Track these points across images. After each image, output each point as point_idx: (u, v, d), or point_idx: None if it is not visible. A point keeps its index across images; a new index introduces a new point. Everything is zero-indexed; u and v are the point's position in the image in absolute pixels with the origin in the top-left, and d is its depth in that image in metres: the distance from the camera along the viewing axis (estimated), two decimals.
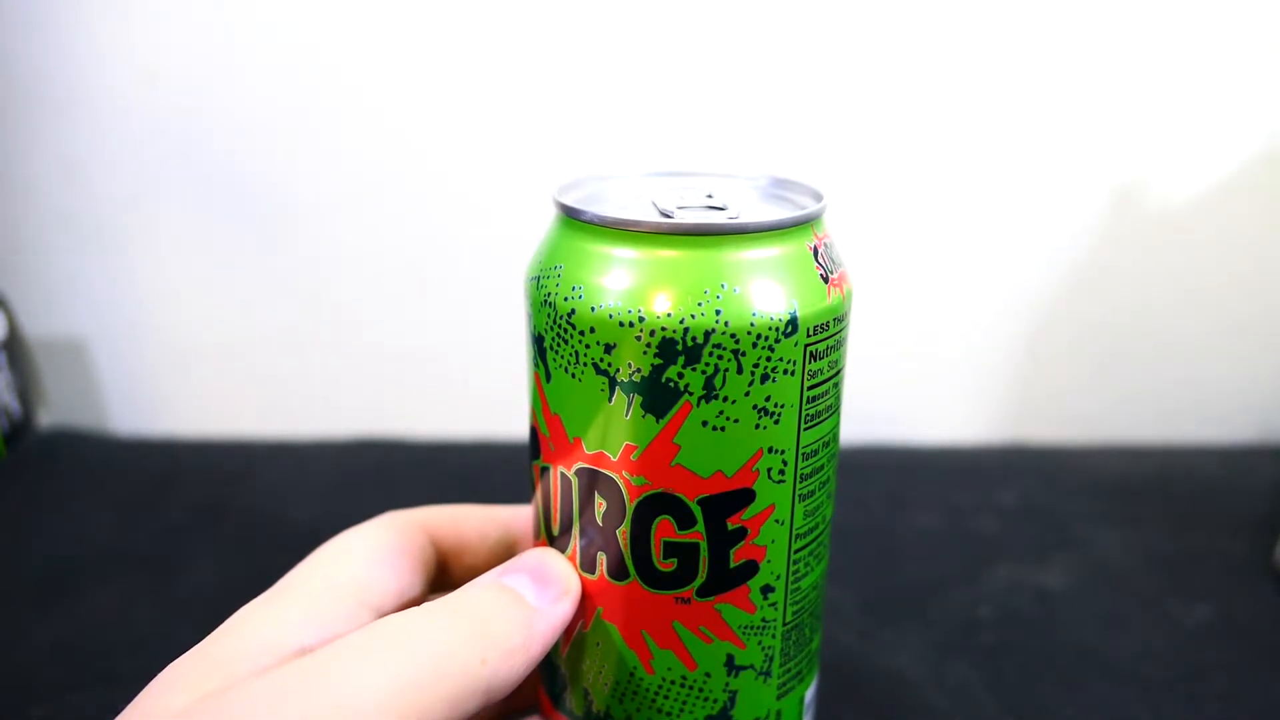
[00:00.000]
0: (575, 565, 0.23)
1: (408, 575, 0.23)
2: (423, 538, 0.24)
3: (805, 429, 0.21)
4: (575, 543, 0.22)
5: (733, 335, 0.20)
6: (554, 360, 0.21)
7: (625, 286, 0.20)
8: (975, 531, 0.44)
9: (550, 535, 0.23)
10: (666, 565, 0.21)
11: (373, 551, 0.23)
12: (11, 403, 0.47)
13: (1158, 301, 0.51)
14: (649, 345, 0.20)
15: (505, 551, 0.26)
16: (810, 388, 0.21)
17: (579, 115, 0.47)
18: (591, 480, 0.22)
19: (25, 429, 0.49)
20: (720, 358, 0.20)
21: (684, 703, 0.23)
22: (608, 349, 0.20)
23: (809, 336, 0.21)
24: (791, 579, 0.23)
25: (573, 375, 0.21)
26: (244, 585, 0.22)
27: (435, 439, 0.53)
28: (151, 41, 0.46)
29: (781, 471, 0.21)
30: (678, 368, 0.20)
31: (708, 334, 0.20)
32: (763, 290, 0.20)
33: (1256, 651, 0.35)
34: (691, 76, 0.46)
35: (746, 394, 0.20)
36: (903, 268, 0.50)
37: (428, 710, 0.18)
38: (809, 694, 0.25)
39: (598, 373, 0.20)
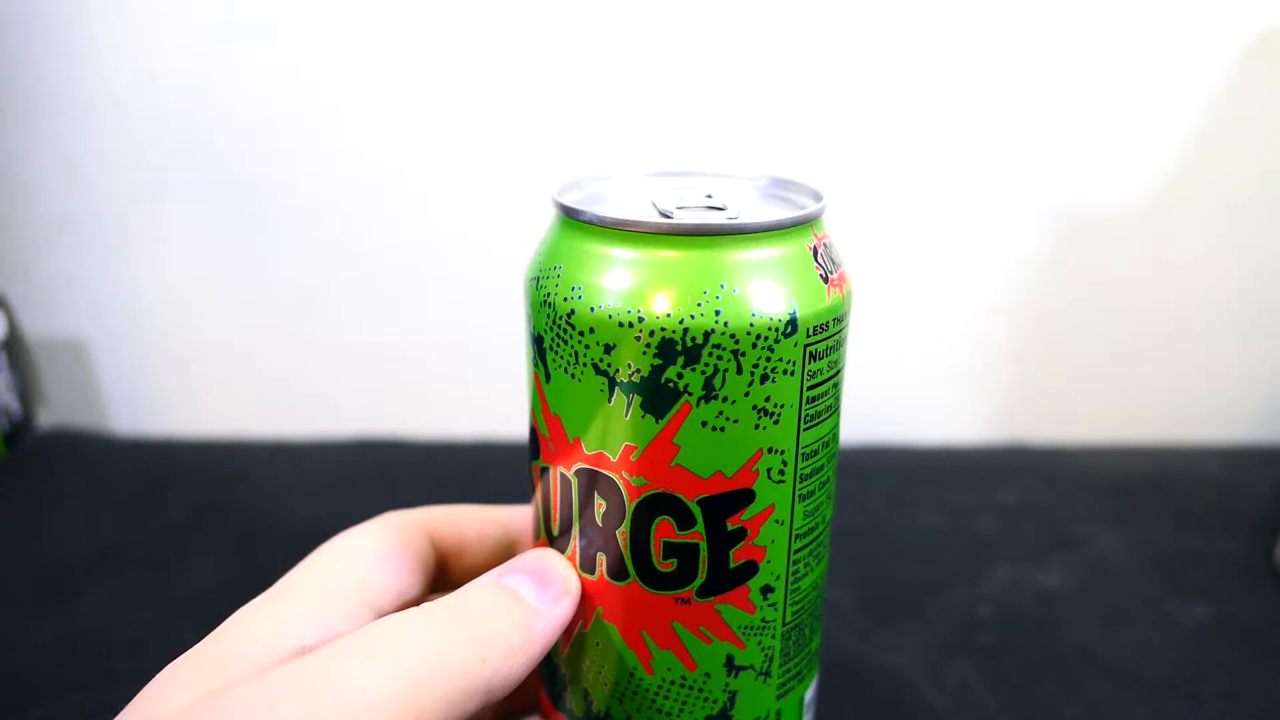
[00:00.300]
0: (575, 566, 0.23)
1: (407, 575, 0.23)
2: (422, 538, 0.24)
3: (805, 429, 0.21)
4: (575, 543, 0.22)
5: (732, 335, 0.20)
6: (554, 361, 0.21)
7: (625, 287, 0.20)
8: (975, 531, 0.44)
9: (550, 536, 0.23)
10: (666, 566, 0.21)
11: (372, 552, 0.23)
12: (11, 403, 0.48)
13: (1158, 301, 0.51)
14: (648, 346, 0.20)
15: (505, 552, 0.26)
16: (810, 388, 0.21)
17: (579, 115, 0.47)
18: (591, 481, 0.22)
19: (25, 429, 0.49)
20: (720, 358, 0.20)
21: (684, 703, 0.23)
22: (607, 349, 0.20)
23: (809, 337, 0.21)
24: (791, 579, 0.23)
25: (572, 376, 0.21)
26: (243, 585, 0.22)
27: (435, 439, 0.53)
28: (151, 41, 0.46)
29: (781, 472, 0.21)
30: (677, 368, 0.20)
31: (707, 334, 0.20)
32: (762, 290, 0.20)
33: (1256, 651, 0.35)
34: (691, 76, 0.46)
35: (746, 394, 0.20)
36: (902, 268, 0.50)
37: (427, 710, 0.18)
38: (809, 694, 0.25)
39: (597, 373, 0.20)
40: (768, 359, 0.20)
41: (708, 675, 0.23)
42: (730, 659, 0.22)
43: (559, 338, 0.21)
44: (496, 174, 0.48)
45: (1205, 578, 0.40)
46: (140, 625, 0.37)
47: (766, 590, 0.22)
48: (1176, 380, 0.53)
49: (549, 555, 0.23)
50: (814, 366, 0.21)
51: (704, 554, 0.21)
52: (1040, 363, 0.52)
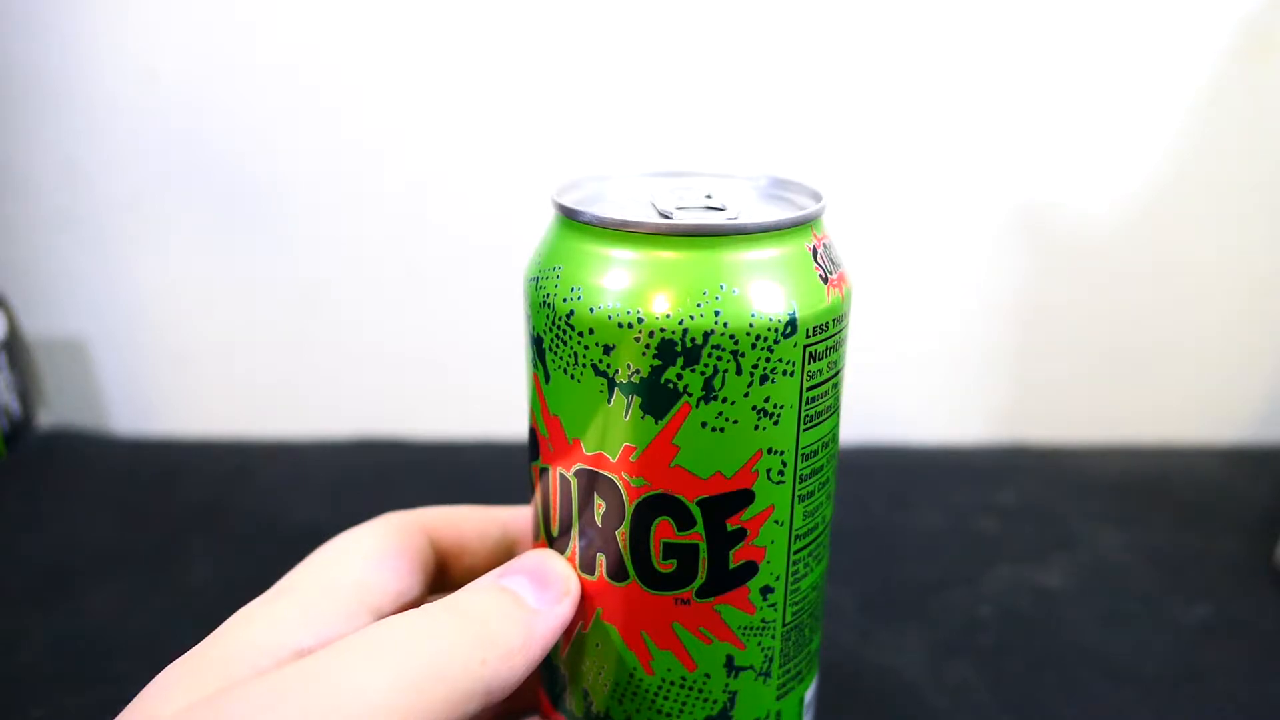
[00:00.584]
0: (575, 566, 0.23)
1: (407, 576, 0.23)
2: (422, 538, 0.24)
3: (804, 430, 0.21)
4: (575, 544, 0.22)
5: (732, 336, 0.20)
6: (553, 361, 0.21)
7: (624, 287, 0.20)
8: (975, 531, 0.44)
9: (550, 536, 0.23)
10: (666, 566, 0.21)
11: (372, 552, 0.23)
12: (11, 403, 0.48)
13: (1158, 301, 0.51)
14: (648, 346, 0.20)
15: (505, 552, 0.26)
16: (809, 388, 0.21)
17: (578, 115, 0.47)
18: (591, 481, 0.22)
19: (25, 429, 0.49)
20: (719, 359, 0.20)
21: (684, 703, 0.23)
22: (607, 350, 0.20)
23: (808, 337, 0.21)
24: (791, 580, 0.23)
25: (572, 376, 0.21)
26: (243, 585, 0.22)
27: (435, 439, 0.53)
28: (151, 41, 0.46)
29: (781, 472, 0.21)
30: (677, 369, 0.20)
31: (706, 335, 0.20)
32: (762, 291, 0.20)
33: (1256, 651, 0.35)
34: (690, 76, 0.46)
35: (745, 395, 0.20)
36: (902, 268, 0.50)
37: (427, 711, 0.18)
38: (809, 694, 0.25)
39: (597, 374, 0.20)
40: (767, 359, 0.20)
41: (707, 676, 0.23)
42: (730, 659, 0.22)
43: (558, 338, 0.21)
44: (496, 174, 0.48)
45: (1205, 578, 0.40)
46: (140, 625, 0.37)
47: (766, 591, 0.22)
48: (1176, 380, 0.53)
49: (549, 556, 0.23)
50: (814, 367, 0.21)
51: (704, 555, 0.21)
52: (1040, 363, 0.52)
